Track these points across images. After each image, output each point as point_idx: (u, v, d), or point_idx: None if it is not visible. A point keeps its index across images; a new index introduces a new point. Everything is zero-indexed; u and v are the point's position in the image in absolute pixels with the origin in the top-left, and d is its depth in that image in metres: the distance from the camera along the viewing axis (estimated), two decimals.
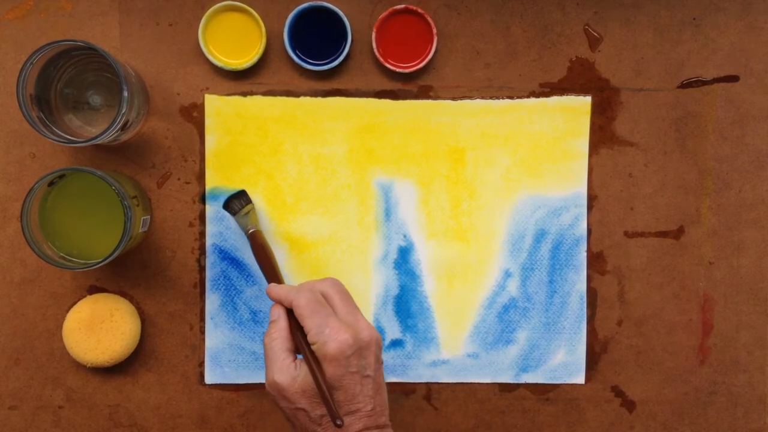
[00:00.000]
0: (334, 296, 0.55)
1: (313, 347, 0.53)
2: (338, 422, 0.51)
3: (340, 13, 0.65)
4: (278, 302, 0.56)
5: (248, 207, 0.64)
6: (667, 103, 0.68)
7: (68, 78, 0.61)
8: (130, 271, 0.67)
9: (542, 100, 0.68)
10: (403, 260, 0.68)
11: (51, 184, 0.60)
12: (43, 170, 0.66)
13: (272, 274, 0.61)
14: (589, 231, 0.68)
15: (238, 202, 0.64)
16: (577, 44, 0.67)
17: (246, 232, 0.64)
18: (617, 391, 0.69)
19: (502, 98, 0.68)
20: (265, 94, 0.67)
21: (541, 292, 0.68)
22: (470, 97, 0.67)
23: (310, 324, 0.53)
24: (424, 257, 0.68)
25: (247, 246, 0.67)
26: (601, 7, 0.67)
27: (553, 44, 0.67)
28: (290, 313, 0.56)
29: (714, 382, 0.69)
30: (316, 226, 0.68)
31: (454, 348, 0.68)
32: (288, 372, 0.53)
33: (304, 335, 0.54)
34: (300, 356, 0.55)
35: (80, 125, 0.62)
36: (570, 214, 0.68)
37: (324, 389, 0.52)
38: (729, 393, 0.69)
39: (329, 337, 0.52)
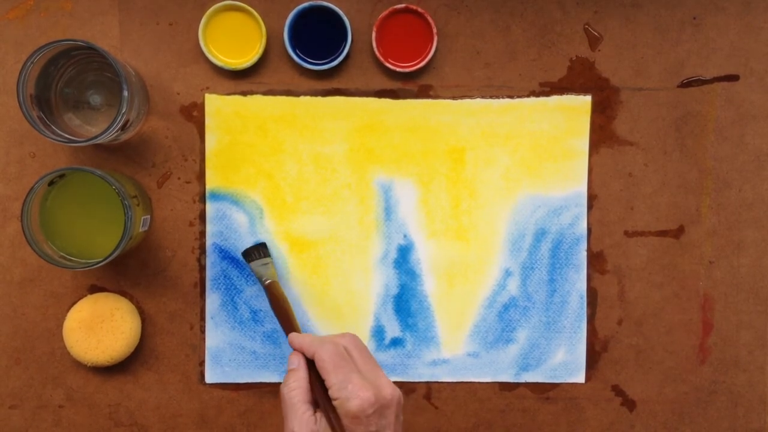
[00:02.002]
0: (354, 351, 0.55)
1: (335, 402, 0.52)
2: None
3: (340, 12, 0.65)
4: (300, 351, 0.56)
5: (267, 259, 0.65)
6: (667, 103, 0.68)
7: (68, 77, 0.61)
8: (131, 271, 0.67)
9: (542, 99, 0.68)
10: (403, 259, 0.68)
11: (51, 183, 0.60)
12: (44, 170, 0.66)
13: (289, 324, 0.61)
14: (589, 230, 0.68)
15: (256, 252, 0.65)
16: (577, 44, 0.68)
17: (262, 283, 0.64)
18: (617, 391, 0.69)
19: (502, 98, 0.68)
20: (265, 93, 0.67)
21: (541, 291, 0.68)
22: (470, 97, 0.68)
23: (333, 379, 0.52)
24: (424, 256, 0.68)
25: (247, 246, 0.67)
26: (601, 6, 0.67)
27: (553, 44, 0.67)
28: (310, 364, 0.55)
29: (714, 381, 0.69)
30: (316, 226, 0.68)
31: (455, 347, 0.68)
32: (308, 425, 0.53)
33: (325, 389, 0.53)
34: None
35: (80, 125, 0.62)
36: (570, 214, 0.68)
37: None
38: (729, 393, 0.69)
39: (352, 393, 0.51)
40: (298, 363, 0.55)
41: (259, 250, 0.66)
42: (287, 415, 0.53)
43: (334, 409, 0.53)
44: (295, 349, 0.57)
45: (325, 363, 0.53)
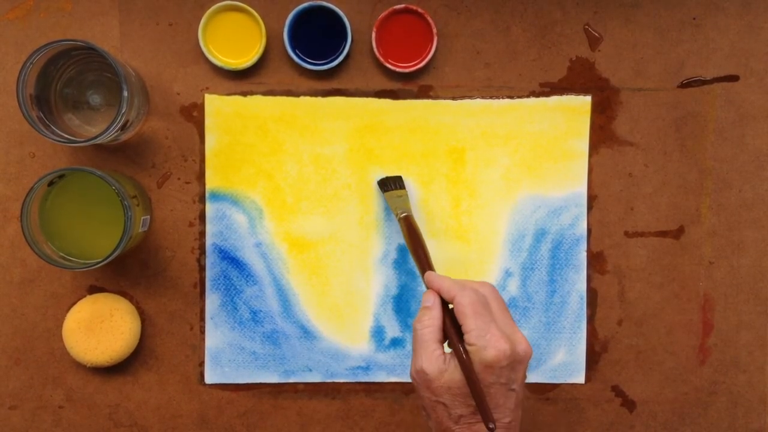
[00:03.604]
0: (492, 302, 0.54)
1: (470, 348, 0.51)
2: (491, 425, 0.50)
3: (340, 12, 0.65)
4: (437, 291, 0.55)
5: (402, 191, 0.64)
6: (667, 103, 0.68)
7: (68, 78, 0.61)
8: (130, 271, 0.67)
9: (542, 99, 0.68)
10: (403, 260, 0.68)
11: (51, 183, 0.60)
12: (43, 170, 0.66)
13: (425, 260, 0.59)
14: (589, 231, 0.68)
15: (393, 183, 0.64)
16: (577, 44, 0.67)
17: (397, 215, 0.62)
18: (617, 391, 0.69)
19: (502, 98, 0.68)
20: (265, 93, 0.67)
21: (541, 291, 0.68)
22: (470, 97, 0.67)
23: (471, 325, 0.51)
24: None
25: (246, 246, 0.67)
26: (601, 7, 0.67)
27: (553, 44, 0.67)
28: (444, 305, 0.55)
29: (714, 382, 0.69)
30: (316, 226, 0.68)
31: None
32: (437, 363, 0.52)
33: (460, 333, 0.53)
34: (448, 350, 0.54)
35: (80, 125, 0.62)
36: (570, 214, 0.68)
37: (481, 392, 0.51)
38: (729, 393, 0.69)
39: (489, 342, 0.51)
40: (433, 301, 0.54)
41: (395, 182, 0.64)
42: (417, 350, 0.53)
43: (467, 352, 0.52)
44: (431, 288, 0.55)
45: (464, 308, 0.52)
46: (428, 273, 0.57)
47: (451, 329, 0.53)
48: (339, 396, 0.68)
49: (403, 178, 0.66)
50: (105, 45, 0.66)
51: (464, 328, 0.52)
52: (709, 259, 0.69)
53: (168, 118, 0.67)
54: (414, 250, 0.60)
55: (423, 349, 0.53)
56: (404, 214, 0.63)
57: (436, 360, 0.52)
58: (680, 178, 0.68)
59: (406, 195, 0.65)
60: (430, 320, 0.54)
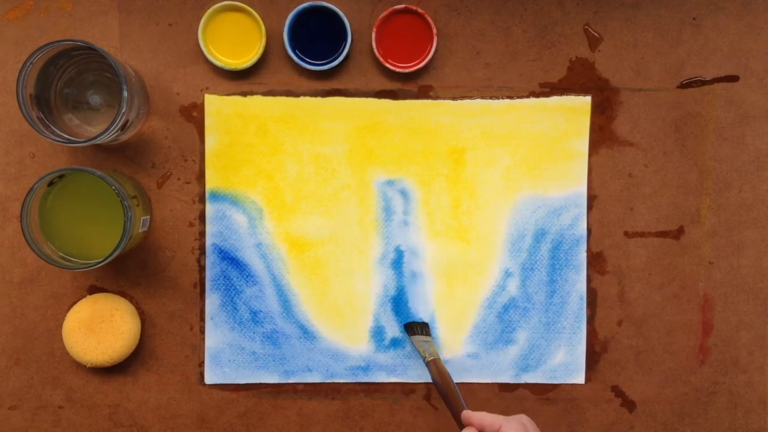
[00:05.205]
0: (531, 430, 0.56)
1: None
2: None
3: (340, 13, 0.65)
4: (478, 428, 0.57)
5: (428, 338, 0.66)
6: (667, 103, 0.68)
7: (68, 78, 0.61)
8: (130, 271, 0.67)
9: (542, 100, 0.68)
10: (402, 260, 0.68)
11: (51, 184, 0.60)
12: (43, 170, 0.66)
13: (457, 401, 0.61)
14: (589, 231, 0.68)
15: (419, 329, 0.66)
16: (577, 44, 0.67)
17: (425, 359, 0.64)
18: (617, 391, 0.69)
19: (502, 98, 0.68)
20: (265, 94, 0.67)
21: (541, 292, 0.68)
22: (470, 97, 0.67)
23: None
24: (424, 257, 0.68)
25: (246, 247, 0.67)
26: (601, 7, 0.67)
27: (553, 44, 0.67)
28: None
29: (714, 382, 0.69)
30: (316, 226, 0.68)
31: (454, 348, 0.68)
32: None
33: None
34: None
35: (80, 125, 0.62)
36: (570, 214, 0.68)
37: None
38: (729, 393, 0.69)
39: None
40: None
41: (422, 328, 0.66)
42: None
43: None
44: (472, 425, 0.57)
45: None
46: (465, 412, 0.59)
47: None
48: (339, 396, 0.68)
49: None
50: (105, 45, 0.66)
51: None
52: (709, 259, 0.69)
53: (168, 118, 0.67)
54: (445, 394, 0.62)
55: None
56: (432, 358, 0.64)
57: None
58: (680, 178, 0.68)
59: (432, 341, 0.66)
60: None
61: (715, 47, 0.68)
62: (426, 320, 0.68)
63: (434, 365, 0.63)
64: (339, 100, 0.67)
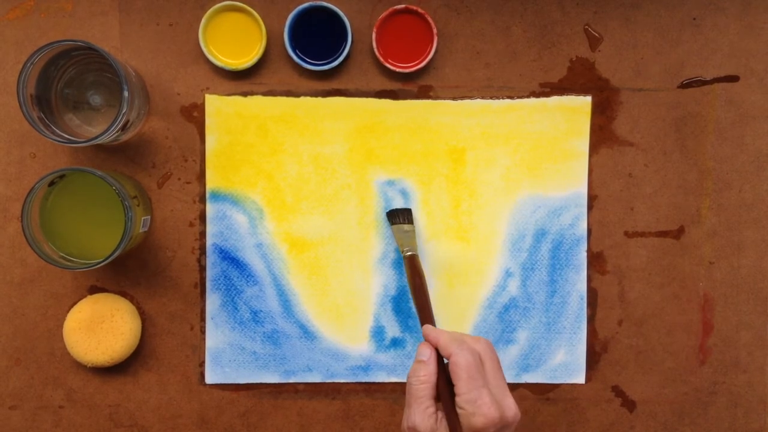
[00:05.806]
0: (487, 362, 0.54)
1: (460, 412, 0.52)
2: None
3: (340, 13, 0.65)
4: (434, 345, 0.55)
5: (411, 226, 0.63)
6: (667, 103, 0.68)
7: (68, 78, 0.61)
8: (131, 271, 0.67)
9: (542, 100, 0.68)
10: (402, 260, 0.68)
11: (51, 184, 0.60)
12: (44, 170, 0.66)
13: (426, 309, 0.59)
14: (589, 231, 0.68)
15: (401, 216, 0.63)
16: (577, 44, 0.68)
17: (403, 252, 0.62)
18: (617, 391, 0.69)
19: (502, 98, 0.68)
20: (266, 94, 0.67)
21: (541, 292, 0.68)
22: (470, 97, 0.68)
23: (464, 388, 0.52)
24: (424, 257, 0.68)
25: (246, 247, 0.67)
26: (601, 7, 0.67)
27: (553, 44, 0.67)
28: (439, 359, 0.55)
29: (714, 382, 0.69)
30: (316, 226, 0.68)
31: None
32: (430, 421, 0.53)
33: (452, 390, 0.53)
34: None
35: (80, 125, 0.62)
36: (570, 214, 0.68)
37: None
38: (729, 393, 0.69)
39: (479, 409, 0.51)
40: (429, 356, 0.55)
41: (404, 215, 0.63)
42: (411, 405, 0.54)
43: (456, 413, 0.53)
44: (428, 341, 0.56)
45: (459, 370, 0.53)
46: (426, 326, 0.57)
47: (445, 389, 0.54)
48: (339, 396, 0.68)
49: (412, 210, 0.66)
50: (105, 45, 0.66)
51: (456, 390, 0.52)
52: (709, 259, 0.69)
53: (168, 118, 0.67)
54: (416, 294, 0.60)
55: (417, 403, 0.53)
56: (410, 253, 0.62)
57: (428, 418, 0.53)
58: (680, 178, 0.68)
59: (414, 231, 0.64)
60: (425, 376, 0.54)
61: (715, 47, 0.68)
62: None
63: (410, 261, 0.61)
64: (339, 100, 0.67)
